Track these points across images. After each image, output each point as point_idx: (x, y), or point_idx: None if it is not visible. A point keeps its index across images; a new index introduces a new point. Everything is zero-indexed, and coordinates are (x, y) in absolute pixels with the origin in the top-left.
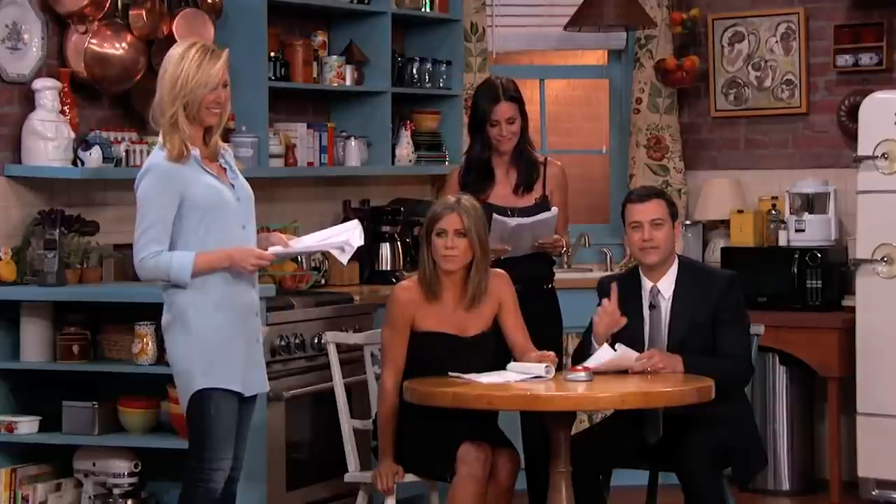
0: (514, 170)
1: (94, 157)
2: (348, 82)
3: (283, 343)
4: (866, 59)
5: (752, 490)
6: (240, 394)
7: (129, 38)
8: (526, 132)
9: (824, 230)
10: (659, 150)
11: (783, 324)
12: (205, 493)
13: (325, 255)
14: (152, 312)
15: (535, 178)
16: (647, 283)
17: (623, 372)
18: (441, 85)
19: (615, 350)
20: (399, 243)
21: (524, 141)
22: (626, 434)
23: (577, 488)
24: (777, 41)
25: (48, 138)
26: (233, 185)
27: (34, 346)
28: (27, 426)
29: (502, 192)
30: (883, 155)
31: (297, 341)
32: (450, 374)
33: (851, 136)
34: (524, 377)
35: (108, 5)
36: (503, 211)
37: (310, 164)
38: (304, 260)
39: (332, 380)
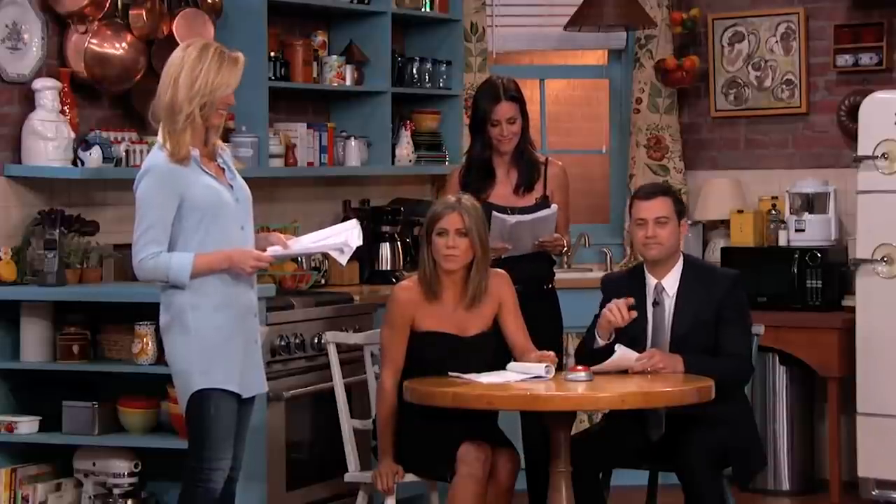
0: (514, 170)
1: (94, 157)
2: (348, 82)
3: (283, 343)
4: (866, 59)
5: (752, 490)
6: (238, 395)
7: (129, 38)
8: (527, 132)
9: (824, 230)
10: (659, 150)
11: (783, 324)
12: (204, 493)
13: (325, 254)
14: (152, 312)
15: (535, 178)
16: (651, 280)
17: (623, 372)
18: (441, 85)
19: (619, 350)
20: (399, 243)
21: (525, 141)
22: (626, 434)
23: (577, 488)
24: (777, 41)
25: (48, 138)
26: (231, 186)
27: (34, 346)
28: (27, 426)
29: (503, 191)
30: (883, 155)
31: (297, 341)
32: (450, 374)
33: (851, 136)
34: (524, 377)
35: (108, 5)
36: (503, 210)
37: (310, 164)
38: (304, 260)
39: (332, 380)
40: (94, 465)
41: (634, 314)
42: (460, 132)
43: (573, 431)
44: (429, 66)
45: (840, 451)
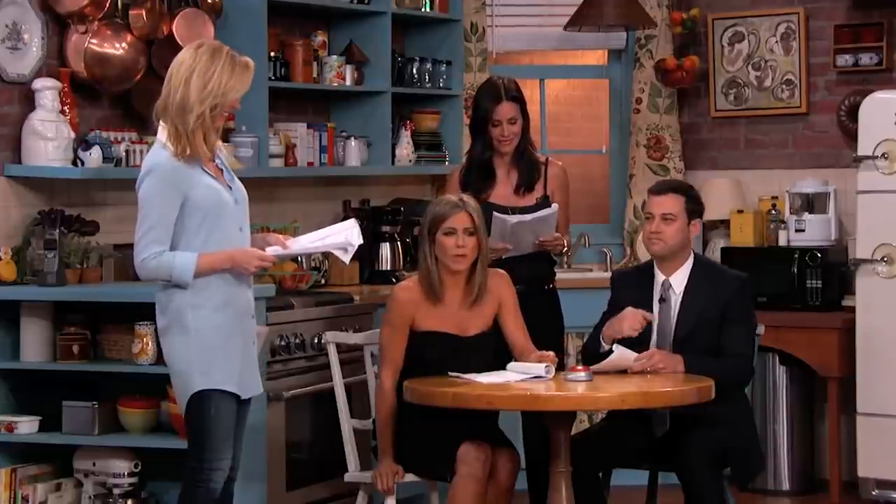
0: (515, 170)
1: (94, 157)
2: (348, 82)
3: (283, 343)
4: (866, 59)
5: (752, 490)
6: (237, 395)
7: (129, 38)
8: (527, 132)
9: (824, 230)
10: (659, 150)
11: (783, 324)
12: (205, 494)
13: (325, 254)
14: (152, 312)
15: (536, 178)
16: (659, 277)
17: (623, 372)
18: (441, 85)
19: (617, 351)
20: (399, 243)
21: (525, 141)
22: (626, 434)
23: (577, 488)
24: (777, 41)
25: (48, 138)
26: (230, 188)
27: (34, 346)
28: (27, 426)
29: (503, 191)
30: (883, 155)
31: (297, 341)
32: (450, 373)
33: (851, 136)
34: (524, 377)
35: (108, 5)
36: (504, 210)
37: (310, 164)
38: (304, 260)
39: (332, 380)
40: (94, 465)
41: (641, 328)
42: (460, 132)
43: (573, 431)
44: (429, 66)
45: (840, 451)
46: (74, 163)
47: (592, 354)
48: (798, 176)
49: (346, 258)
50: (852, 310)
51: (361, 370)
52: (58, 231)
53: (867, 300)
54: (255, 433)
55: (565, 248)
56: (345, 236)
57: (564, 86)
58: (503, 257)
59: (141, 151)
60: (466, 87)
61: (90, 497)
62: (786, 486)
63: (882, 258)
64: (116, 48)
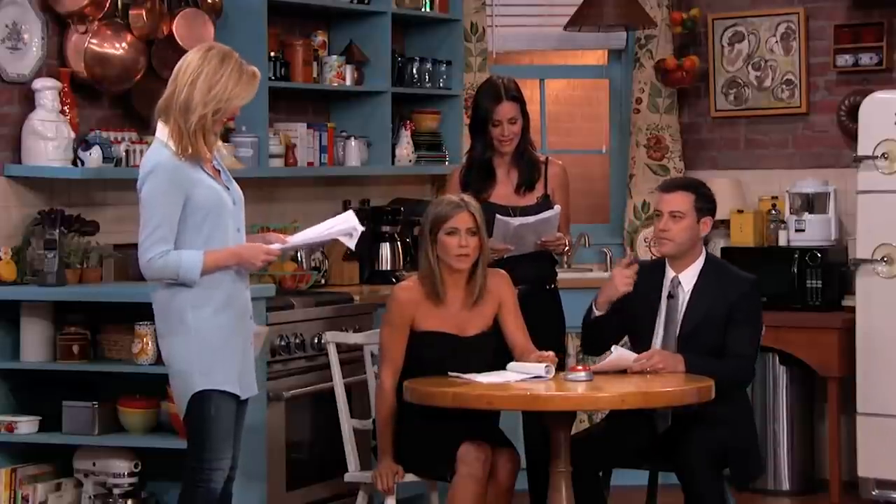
0: (515, 170)
1: (94, 157)
2: (348, 82)
3: (283, 343)
4: (866, 59)
5: (752, 490)
6: (237, 396)
7: (129, 38)
8: (527, 132)
9: (824, 230)
10: (659, 150)
11: (783, 324)
12: (205, 494)
13: (325, 254)
14: (152, 312)
15: (536, 178)
16: (669, 273)
17: (623, 371)
18: (441, 85)
19: (615, 352)
20: (399, 243)
21: (525, 141)
22: (626, 434)
23: (577, 488)
24: (777, 41)
25: (48, 138)
26: (227, 188)
27: (34, 346)
28: (27, 426)
29: (504, 191)
30: (883, 155)
31: (297, 341)
32: (449, 374)
33: (851, 136)
34: (524, 377)
35: (108, 5)
36: (505, 210)
37: (310, 164)
38: (304, 260)
39: (332, 380)
40: (94, 465)
41: (628, 289)
42: (460, 132)
43: (573, 431)
44: (429, 66)
45: (840, 451)
46: (74, 163)
47: (585, 321)
48: (798, 176)
49: (352, 243)
50: (852, 310)
51: (361, 370)
52: (58, 231)
53: (867, 300)
54: (255, 433)
55: (566, 248)
56: (348, 223)
57: (564, 86)
58: (504, 257)
59: (141, 151)
60: (466, 87)
61: (90, 497)
62: (786, 486)
63: (882, 258)
64: (116, 48)
